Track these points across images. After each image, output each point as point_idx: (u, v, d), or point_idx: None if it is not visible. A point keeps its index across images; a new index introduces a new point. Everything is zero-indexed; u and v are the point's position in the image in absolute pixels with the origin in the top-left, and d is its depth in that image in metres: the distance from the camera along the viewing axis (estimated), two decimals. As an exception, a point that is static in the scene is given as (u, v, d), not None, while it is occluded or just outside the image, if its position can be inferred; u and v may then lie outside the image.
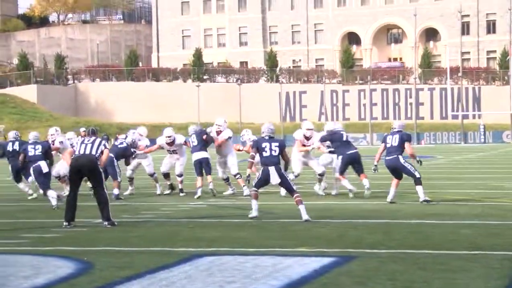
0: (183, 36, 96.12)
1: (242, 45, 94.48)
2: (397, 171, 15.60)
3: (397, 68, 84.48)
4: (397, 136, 15.60)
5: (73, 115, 79.60)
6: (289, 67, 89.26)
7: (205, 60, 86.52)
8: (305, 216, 12.75)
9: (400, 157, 15.49)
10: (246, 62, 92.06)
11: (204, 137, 18.38)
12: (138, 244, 10.53)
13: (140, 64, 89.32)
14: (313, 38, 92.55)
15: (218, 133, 18.56)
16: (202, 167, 18.19)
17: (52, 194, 16.18)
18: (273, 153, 13.35)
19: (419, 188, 15.39)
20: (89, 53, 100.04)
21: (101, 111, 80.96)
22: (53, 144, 18.69)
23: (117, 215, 13.44)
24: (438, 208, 14.58)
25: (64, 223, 12.60)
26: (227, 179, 18.83)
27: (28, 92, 79.28)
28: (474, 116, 76.30)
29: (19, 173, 18.89)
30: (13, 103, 77.38)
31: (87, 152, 12.90)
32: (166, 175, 19.38)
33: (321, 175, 17.76)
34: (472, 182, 21.28)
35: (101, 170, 13.05)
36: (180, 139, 19.18)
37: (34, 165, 16.57)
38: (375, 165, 16.25)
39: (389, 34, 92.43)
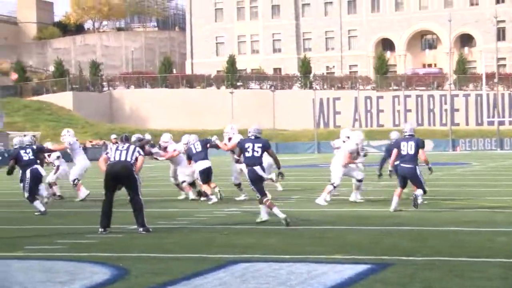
0: (216, 43, 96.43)
1: (276, 52, 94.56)
2: (407, 179, 15.48)
3: (432, 74, 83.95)
4: (412, 144, 15.41)
5: (108, 121, 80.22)
6: (323, 73, 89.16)
7: (238, 66, 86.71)
8: (265, 217, 13.56)
9: (417, 168, 15.36)
10: (280, 69, 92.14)
11: (208, 145, 18.67)
12: (173, 250, 10.57)
13: (174, 71, 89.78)
14: (346, 44, 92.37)
15: (229, 140, 18.80)
16: (207, 175, 18.59)
17: (38, 204, 16.46)
18: (255, 153, 13.59)
19: (420, 192, 15.29)
20: (123, 60, 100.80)
21: (135, 118, 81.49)
22: (69, 145, 20.26)
23: (152, 221, 13.49)
24: (474, 215, 14.45)
25: (100, 229, 12.67)
26: (239, 185, 19.09)
27: (64, 99, 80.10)
28: (510, 122, 75.55)
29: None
30: (49, 110, 78.18)
31: (122, 158, 12.95)
32: (192, 184, 19.73)
33: (360, 181, 17.61)
34: (508, 189, 21.05)
35: (136, 176, 13.10)
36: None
37: (31, 168, 16.57)
38: (390, 170, 16.15)
39: (424, 40, 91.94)
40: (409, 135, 15.66)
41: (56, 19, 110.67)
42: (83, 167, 20.93)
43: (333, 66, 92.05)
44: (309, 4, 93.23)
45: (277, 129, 75.36)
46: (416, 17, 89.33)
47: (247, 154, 13.62)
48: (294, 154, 66.84)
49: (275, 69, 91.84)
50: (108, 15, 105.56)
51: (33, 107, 78.17)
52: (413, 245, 10.62)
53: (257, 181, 13.53)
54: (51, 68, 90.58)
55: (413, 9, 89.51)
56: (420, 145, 15.48)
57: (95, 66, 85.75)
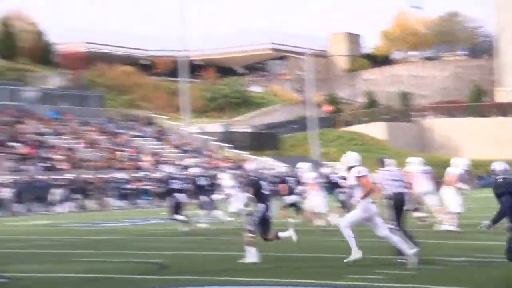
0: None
1: None
2: None
3: None
4: None
5: (418, 151, 79.98)
6: None
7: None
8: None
9: None
10: None
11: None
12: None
13: (485, 99, 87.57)
14: None
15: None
16: None
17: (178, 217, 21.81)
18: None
19: None
20: (431, 89, 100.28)
21: (447, 147, 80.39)
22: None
23: (470, 254, 13.27)
24: None
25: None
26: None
27: (375, 129, 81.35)
28: None
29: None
30: (361, 140, 79.83)
31: (401, 189, 14.00)
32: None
33: None
34: None
35: None
36: None
37: (171, 195, 21.72)
38: None
39: None
40: None
41: (364, 51, 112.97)
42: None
43: None
44: None
45: None
46: None
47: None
48: None
49: None
50: (415, 45, 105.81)
51: (346, 138, 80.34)
52: None
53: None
54: (361, 99, 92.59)
55: None
56: None
57: (403, 96, 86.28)
